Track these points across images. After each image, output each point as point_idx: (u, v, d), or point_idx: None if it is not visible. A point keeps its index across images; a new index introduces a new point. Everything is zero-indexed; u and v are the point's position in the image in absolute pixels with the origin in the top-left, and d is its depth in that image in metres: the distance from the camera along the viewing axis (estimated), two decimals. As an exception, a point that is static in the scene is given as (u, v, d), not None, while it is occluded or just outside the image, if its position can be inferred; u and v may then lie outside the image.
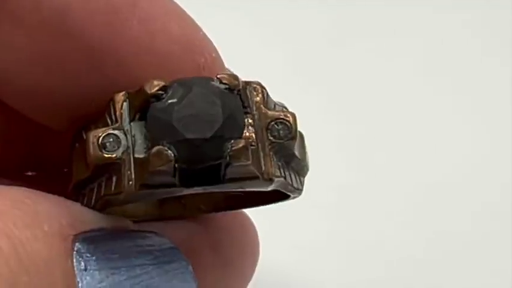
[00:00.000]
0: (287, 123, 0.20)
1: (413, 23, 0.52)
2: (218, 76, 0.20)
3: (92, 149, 0.20)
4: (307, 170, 0.23)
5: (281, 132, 0.20)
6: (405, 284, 0.41)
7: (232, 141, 0.19)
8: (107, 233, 0.20)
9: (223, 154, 0.19)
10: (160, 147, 0.19)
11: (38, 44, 0.21)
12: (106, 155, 0.20)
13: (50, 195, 0.20)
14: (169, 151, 0.19)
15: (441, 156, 0.46)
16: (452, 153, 0.46)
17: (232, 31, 0.50)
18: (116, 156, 0.20)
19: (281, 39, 0.51)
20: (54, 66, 0.21)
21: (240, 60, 0.49)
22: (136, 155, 0.19)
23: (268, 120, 0.20)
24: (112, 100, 0.20)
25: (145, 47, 0.21)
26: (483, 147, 0.47)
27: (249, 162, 0.19)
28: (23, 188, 0.19)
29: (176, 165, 0.19)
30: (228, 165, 0.19)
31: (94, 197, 0.20)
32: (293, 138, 0.20)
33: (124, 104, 0.20)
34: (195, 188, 0.19)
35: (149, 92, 0.19)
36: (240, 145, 0.19)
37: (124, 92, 0.20)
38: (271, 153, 0.20)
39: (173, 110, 0.19)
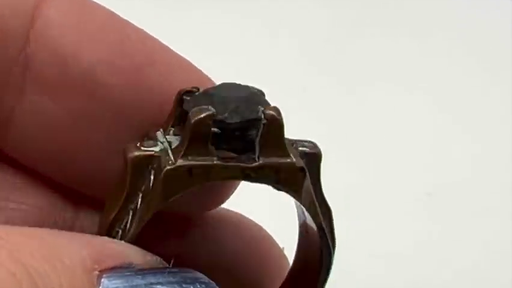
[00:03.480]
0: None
1: (419, 22, 0.52)
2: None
3: (131, 151, 0.20)
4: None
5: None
6: (406, 284, 0.41)
7: (262, 108, 0.20)
8: (137, 269, 0.19)
9: (258, 114, 0.20)
10: (199, 107, 0.20)
11: (65, 106, 0.22)
12: (144, 150, 0.20)
13: (73, 232, 0.20)
14: (209, 107, 0.20)
15: (443, 159, 0.46)
16: (458, 155, 0.46)
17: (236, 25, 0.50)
18: (154, 151, 0.20)
19: (288, 34, 0.51)
20: (81, 126, 0.22)
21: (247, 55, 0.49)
22: (173, 147, 0.20)
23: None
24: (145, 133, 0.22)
25: (167, 99, 0.22)
26: (484, 151, 0.47)
27: (282, 118, 0.20)
28: (42, 228, 0.19)
29: (214, 126, 0.20)
30: (262, 137, 0.20)
31: (130, 218, 0.21)
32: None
33: (158, 132, 0.21)
34: (231, 168, 0.20)
35: (187, 88, 0.21)
36: (272, 107, 0.20)
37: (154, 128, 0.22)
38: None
39: (209, 91, 0.21)
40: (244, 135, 0.20)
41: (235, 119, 0.20)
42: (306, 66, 0.50)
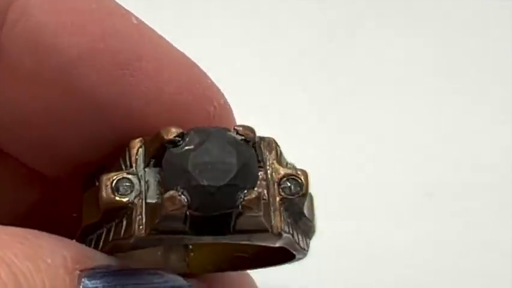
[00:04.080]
0: (299, 180, 0.21)
1: (418, 17, 0.52)
2: (235, 127, 0.20)
3: (105, 192, 0.20)
4: (314, 232, 0.24)
5: (292, 188, 0.20)
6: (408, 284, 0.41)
7: (246, 191, 0.19)
8: (115, 270, 0.19)
9: (236, 203, 0.19)
10: (174, 192, 0.19)
11: (40, 99, 0.20)
12: (118, 199, 0.20)
13: (54, 235, 0.19)
14: (183, 196, 0.19)
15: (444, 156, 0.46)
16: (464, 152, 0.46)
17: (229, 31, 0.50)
18: (128, 200, 0.20)
19: (288, 34, 0.51)
20: (58, 120, 0.21)
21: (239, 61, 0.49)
22: (148, 200, 0.20)
23: (280, 176, 0.20)
24: (127, 146, 0.20)
25: (153, 99, 0.21)
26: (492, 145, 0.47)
27: (261, 213, 0.19)
28: (25, 228, 0.19)
29: (188, 212, 0.19)
30: (239, 215, 0.19)
31: (102, 242, 0.20)
32: (304, 195, 0.21)
33: (140, 150, 0.20)
34: (204, 238, 0.20)
35: (166, 137, 0.20)
36: (253, 195, 0.19)
37: (140, 138, 0.20)
38: (281, 208, 0.20)
39: (189, 157, 0.19)
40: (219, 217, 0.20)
41: (208, 212, 0.19)
42: (306, 66, 0.50)
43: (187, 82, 0.21)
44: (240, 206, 0.19)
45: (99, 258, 0.19)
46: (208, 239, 0.20)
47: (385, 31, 0.51)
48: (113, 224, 0.20)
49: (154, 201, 0.19)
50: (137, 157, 0.20)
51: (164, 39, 0.22)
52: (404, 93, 0.49)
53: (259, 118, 0.46)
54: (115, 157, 0.21)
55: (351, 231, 0.42)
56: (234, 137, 0.20)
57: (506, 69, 0.50)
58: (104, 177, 0.20)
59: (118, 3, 0.21)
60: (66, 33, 0.20)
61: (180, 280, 0.20)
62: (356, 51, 0.51)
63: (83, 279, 0.18)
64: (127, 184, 0.20)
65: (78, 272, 0.18)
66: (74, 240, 0.20)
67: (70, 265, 0.18)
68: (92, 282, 0.18)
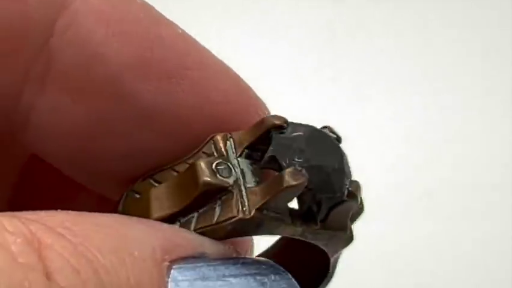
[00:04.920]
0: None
1: (416, 21, 0.52)
2: (326, 126, 0.21)
3: (206, 173, 0.19)
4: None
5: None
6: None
7: (350, 179, 0.20)
8: (208, 259, 0.18)
9: (343, 189, 0.19)
10: (294, 168, 0.19)
11: (88, 109, 0.20)
12: (221, 179, 0.19)
13: (143, 219, 0.18)
14: (304, 171, 0.19)
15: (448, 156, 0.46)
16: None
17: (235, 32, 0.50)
18: (229, 183, 0.19)
19: (288, 34, 0.51)
20: (105, 131, 0.21)
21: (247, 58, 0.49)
22: (248, 185, 0.19)
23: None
24: (212, 139, 0.20)
25: (200, 107, 0.21)
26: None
27: (360, 203, 0.20)
28: (111, 214, 0.18)
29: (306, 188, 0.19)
30: (336, 205, 0.19)
31: (192, 227, 0.20)
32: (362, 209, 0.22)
33: (228, 142, 0.20)
34: (297, 229, 0.19)
35: (276, 122, 0.20)
36: (358, 184, 0.20)
37: (223, 133, 0.20)
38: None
39: (303, 139, 0.20)
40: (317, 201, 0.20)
41: (323, 192, 0.19)
42: (306, 66, 0.50)
43: (232, 92, 0.21)
44: (345, 193, 0.19)
45: (192, 245, 0.18)
46: (298, 231, 0.19)
47: (386, 32, 0.51)
48: (205, 209, 0.19)
49: (253, 187, 0.19)
50: (226, 148, 0.20)
51: (207, 49, 0.22)
52: (404, 94, 0.49)
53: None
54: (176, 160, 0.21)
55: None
56: (328, 134, 0.21)
57: (506, 69, 0.50)
58: (202, 161, 0.19)
59: (162, 14, 0.21)
60: (114, 42, 0.20)
61: (279, 268, 0.19)
62: (356, 52, 0.51)
63: (172, 271, 0.17)
64: (226, 168, 0.19)
65: (167, 263, 0.17)
66: (165, 224, 0.19)
67: (159, 256, 0.17)
68: (183, 274, 0.17)
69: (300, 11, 0.53)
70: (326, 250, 0.21)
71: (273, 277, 0.18)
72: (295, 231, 0.19)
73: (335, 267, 0.22)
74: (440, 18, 0.52)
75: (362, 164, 0.45)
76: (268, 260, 0.19)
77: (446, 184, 0.45)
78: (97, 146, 0.21)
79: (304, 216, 0.20)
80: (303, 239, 0.20)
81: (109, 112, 0.20)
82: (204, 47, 0.21)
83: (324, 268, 0.22)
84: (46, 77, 0.20)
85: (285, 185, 0.18)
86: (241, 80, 0.22)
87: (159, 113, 0.21)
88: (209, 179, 0.19)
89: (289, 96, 0.47)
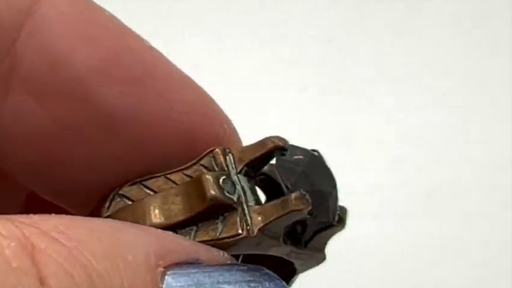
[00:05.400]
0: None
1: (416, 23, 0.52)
2: (314, 150, 0.21)
3: (214, 188, 0.19)
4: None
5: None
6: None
7: (338, 212, 0.21)
8: (203, 266, 0.18)
9: (336, 213, 0.20)
10: (300, 192, 0.19)
11: (52, 113, 0.20)
12: (228, 196, 0.19)
13: (137, 224, 0.18)
14: (307, 195, 0.19)
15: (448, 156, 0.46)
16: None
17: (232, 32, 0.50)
18: (234, 200, 0.19)
19: (288, 34, 0.51)
20: (69, 136, 0.21)
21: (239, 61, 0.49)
22: (249, 203, 0.20)
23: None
24: (211, 152, 0.20)
25: (164, 116, 0.21)
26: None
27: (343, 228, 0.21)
28: (105, 218, 0.18)
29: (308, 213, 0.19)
30: (323, 229, 0.20)
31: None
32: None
33: (227, 157, 0.20)
34: (287, 247, 0.20)
35: (280, 144, 0.20)
36: (347, 210, 0.21)
37: (222, 147, 0.21)
38: None
39: (305, 164, 0.20)
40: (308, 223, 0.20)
41: (322, 217, 0.20)
42: (306, 66, 0.50)
43: (196, 103, 0.21)
44: (336, 218, 0.20)
45: (186, 251, 0.18)
46: (287, 250, 0.20)
47: (386, 32, 0.51)
48: (206, 224, 0.19)
49: (253, 205, 0.20)
50: (227, 163, 0.20)
51: (173, 63, 0.22)
52: (404, 94, 0.49)
53: (259, 118, 0.46)
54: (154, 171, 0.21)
55: (350, 231, 0.42)
56: (322, 157, 0.21)
57: (508, 69, 0.50)
58: (210, 175, 0.19)
59: (130, 28, 0.21)
60: (81, 46, 0.20)
61: (274, 276, 0.19)
62: (356, 53, 0.51)
63: (166, 277, 0.17)
64: (230, 185, 0.20)
65: (161, 269, 0.17)
66: (159, 230, 0.19)
67: (153, 261, 0.17)
68: (177, 280, 0.17)
69: (299, 13, 0.53)
70: (299, 268, 0.21)
71: (267, 284, 0.18)
72: (285, 251, 0.20)
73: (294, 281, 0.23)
74: (440, 18, 0.52)
75: (362, 164, 0.45)
76: (263, 267, 0.19)
77: (447, 184, 0.45)
78: (61, 152, 0.21)
79: (289, 236, 0.20)
80: (287, 258, 0.20)
81: (74, 117, 0.20)
82: (170, 61, 0.21)
83: (284, 278, 0.23)
84: (10, 81, 0.20)
85: (291, 208, 0.19)
86: (206, 93, 0.22)
87: (124, 120, 0.20)
88: (217, 195, 0.19)
89: (290, 96, 0.47)
